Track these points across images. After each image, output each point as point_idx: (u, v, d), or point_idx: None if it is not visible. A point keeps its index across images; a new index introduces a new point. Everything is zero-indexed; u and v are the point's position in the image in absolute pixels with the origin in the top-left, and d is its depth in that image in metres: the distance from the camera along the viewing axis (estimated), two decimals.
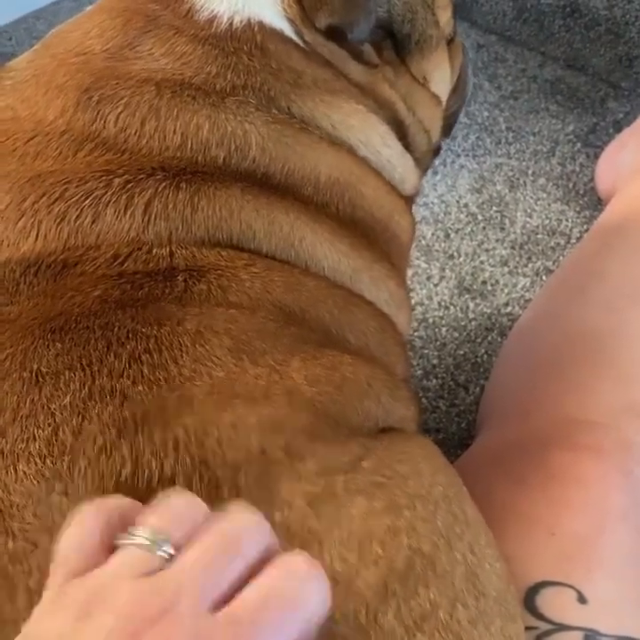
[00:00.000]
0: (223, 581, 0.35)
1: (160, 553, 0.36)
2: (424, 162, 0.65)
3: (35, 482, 0.44)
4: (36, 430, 0.45)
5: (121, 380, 0.45)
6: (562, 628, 0.54)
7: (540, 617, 0.54)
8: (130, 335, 0.47)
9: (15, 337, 0.48)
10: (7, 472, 0.44)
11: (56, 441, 0.45)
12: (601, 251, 0.84)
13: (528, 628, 0.52)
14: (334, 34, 0.57)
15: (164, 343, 0.47)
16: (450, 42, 0.67)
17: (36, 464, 0.44)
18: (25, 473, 0.44)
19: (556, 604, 0.55)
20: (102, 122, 0.53)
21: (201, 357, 0.47)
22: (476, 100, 1.14)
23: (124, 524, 0.37)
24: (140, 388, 0.45)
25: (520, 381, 0.76)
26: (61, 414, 0.45)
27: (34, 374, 0.46)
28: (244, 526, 0.37)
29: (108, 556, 0.36)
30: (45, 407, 0.45)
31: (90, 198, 0.51)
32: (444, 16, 0.65)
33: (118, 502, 0.38)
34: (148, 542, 0.36)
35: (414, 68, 0.62)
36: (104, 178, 0.51)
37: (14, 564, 0.42)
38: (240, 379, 0.46)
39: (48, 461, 0.44)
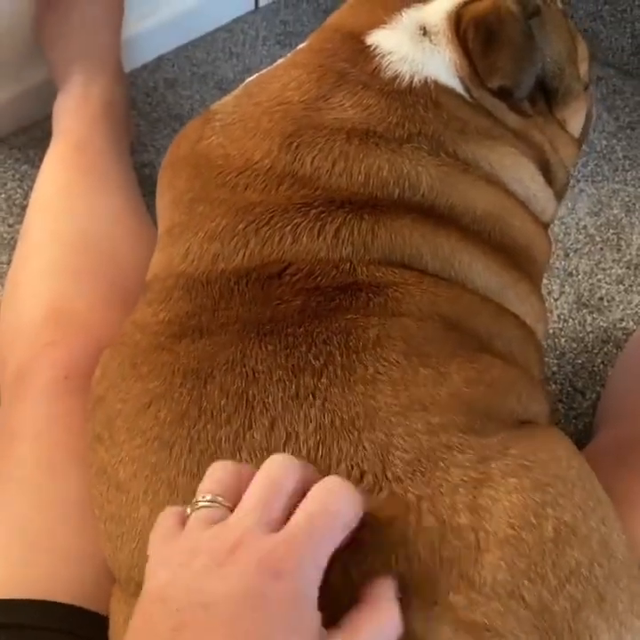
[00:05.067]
0: (273, 512, 0.45)
1: (218, 507, 0.46)
2: (561, 194, 0.74)
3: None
4: (254, 421, 0.53)
5: (321, 380, 0.54)
6: None
7: None
8: (325, 341, 0.56)
9: (235, 338, 0.57)
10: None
11: (273, 434, 0.53)
12: None
13: None
14: (502, 92, 0.66)
15: (351, 348, 0.56)
16: (585, 88, 0.75)
17: (256, 456, 0.52)
18: (246, 461, 0.52)
19: None
20: (300, 163, 0.62)
21: (381, 360, 0.55)
22: (596, 129, 1.19)
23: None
24: (336, 389, 0.53)
25: (634, 388, 0.83)
26: (275, 409, 0.53)
27: (252, 371, 0.55)
28: (278, 469, 0.47)
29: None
30: (263, 401, 0.54)
31: (290, 225, 0.60)
32: (583, 68, 0.74)
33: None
34: (207, 503, 0.46)
35: (558, 115, 0.71)
36: (302, 209, 0.61)
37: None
38: (413, 380, 0.55)
39: (266, 455, 0.50)
